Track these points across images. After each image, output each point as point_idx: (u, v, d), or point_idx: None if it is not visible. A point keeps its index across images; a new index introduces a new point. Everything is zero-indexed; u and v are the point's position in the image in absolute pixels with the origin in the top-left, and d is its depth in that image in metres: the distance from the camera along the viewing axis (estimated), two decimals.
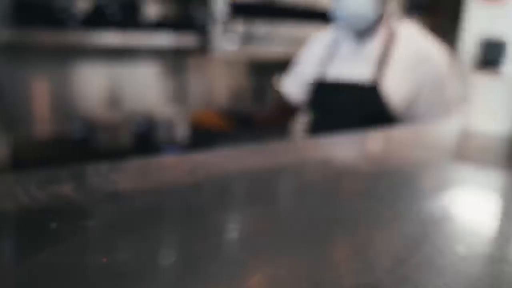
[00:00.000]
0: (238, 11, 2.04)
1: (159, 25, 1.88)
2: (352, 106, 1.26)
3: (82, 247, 0.37)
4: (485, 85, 0.98)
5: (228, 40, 2.00)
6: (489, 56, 1.34)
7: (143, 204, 0.47)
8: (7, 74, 1.68)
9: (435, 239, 0.41)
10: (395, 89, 1.19)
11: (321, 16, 2.05)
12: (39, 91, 1.83)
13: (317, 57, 1.38)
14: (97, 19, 1.74)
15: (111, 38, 1.73)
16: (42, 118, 1.84)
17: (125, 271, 0.34)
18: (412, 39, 1.27)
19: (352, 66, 1.28)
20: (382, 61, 1.23)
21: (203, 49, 1.96)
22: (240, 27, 2.06)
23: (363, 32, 1.28)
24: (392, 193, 0.53)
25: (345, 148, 0.78)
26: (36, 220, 0.42)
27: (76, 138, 1.83)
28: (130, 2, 1.83)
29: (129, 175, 0.56)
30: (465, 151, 0.81)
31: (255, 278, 0.33)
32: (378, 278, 0.33)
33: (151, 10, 1.98)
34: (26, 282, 0.32)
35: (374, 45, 1.26)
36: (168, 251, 0.37)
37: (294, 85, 1.46)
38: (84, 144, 1.81)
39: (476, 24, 1.42)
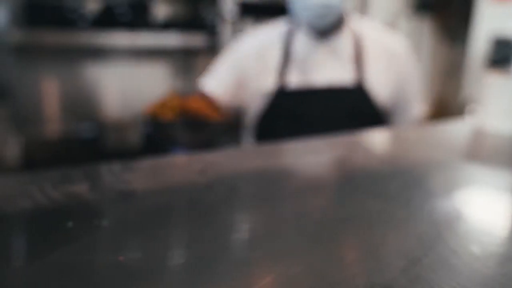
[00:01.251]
0: (247, 11, 2.04)
1: (168, 25, 1.88)
2: (338, 110, 1.15)
3: (95, 246, 0.38)
4: (496, 84, 0.97)
5: (234, 39, 2.00)
6: (501, 54, 1.33)
7: (154, 203, 0.47)
8: (18, 74, 1.70)
9: (449, 239, 0.41)
10: (379, 87, 1.15)
11: None
12: (50, 92, 1.84)
13: (266, 54, 1.18)
14: (106, 19, 1.75)
15: (120, 38, 1.74)
16: (52, 118, 1.85)
17: (137, 270, 0.34)
18: (380, 37, 1.21)
19: (324, 68, 1.15)
20: (359, 61, 1.16)
21: (212, 49, 1.97)
22: (249, 27, 2.06)
23: (328, 29, 1.14)
24: (404, 192, 0.52)
25: (355, 148, 0.77)
26: (51, 219, 0.42)
27: (86, 138, 1.84)
28: (139, 2, 1.83)
29: (141, 175, 0.56)
30: (477, 151, 0.80)
31: (267, 278, 0.33)
32: (392, 277, 0.33)
33: (160, 11, 1.99)
34: (40, 280, 0.32)
35: (343, 44, 1.16)
36: (179, 250, 0.37)
37: (222, 84, 1.23)
38: (94, 144, 1.82)
39: (487, 23, 1.41)
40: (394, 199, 0.50)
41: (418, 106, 1.24)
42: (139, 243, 0.38)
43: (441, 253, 0.37)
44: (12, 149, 1.52)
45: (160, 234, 0.40)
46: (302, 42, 1.17)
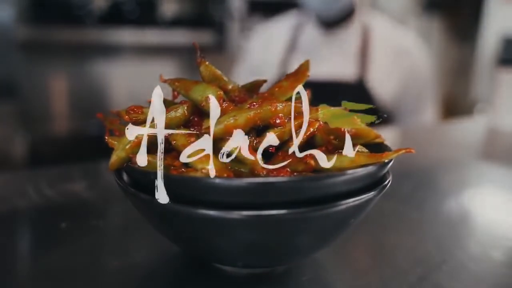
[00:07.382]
0: (255, 8, 2.03)
1: (176, 22, 1.87)
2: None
3: (93, 248, 0.36)
4: (508, 82, 0.95)
5: (245, 38, 1.99)
6: (510, 53, 1.30)
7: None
8: (25, 71, 1.69)
9: (468, 243, 0.39)
10: (382, 85, 1.11)
11: None
12: (57, 89, 1.84)
13: (271, 47, 1.21)
14: (114, 16, 1.74)
15: (128, 35, 1.73)
16: (59, 116, 1.85)
17: (138, 274, 0.32)
18: (391, 33, 1.18)
19: (326, 61, 1.13)
20: (364, 56, 1.12)
21: (220, 46, 1.95)
22: (257, 24, 2.04)
23: (336, 22, 1.13)
24: (418, 193, 0.51)
25: None
26: (48, 220, 0.41)
27: (93, 135, 1.83)
28: None
29: None
30: (491, 149, 0.79)
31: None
32: (410, 286, 0.32)
33: (168, 8, 1.98)
34: (35, 283, 0.31)
35: (350, 38, 1.14)
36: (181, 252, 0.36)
37: (245, 75, 1.26)
38: (102, 141, 1.81)
39: (497, 22, 1.39)
40: (408, 200, 0.48)
41: (430, 110, 1.19)
42: (139, 245, 0.37)
43: (461, 259, 0.36)
44: (20, 146, 1.52)
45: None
46: (309, 35, 1.17)
